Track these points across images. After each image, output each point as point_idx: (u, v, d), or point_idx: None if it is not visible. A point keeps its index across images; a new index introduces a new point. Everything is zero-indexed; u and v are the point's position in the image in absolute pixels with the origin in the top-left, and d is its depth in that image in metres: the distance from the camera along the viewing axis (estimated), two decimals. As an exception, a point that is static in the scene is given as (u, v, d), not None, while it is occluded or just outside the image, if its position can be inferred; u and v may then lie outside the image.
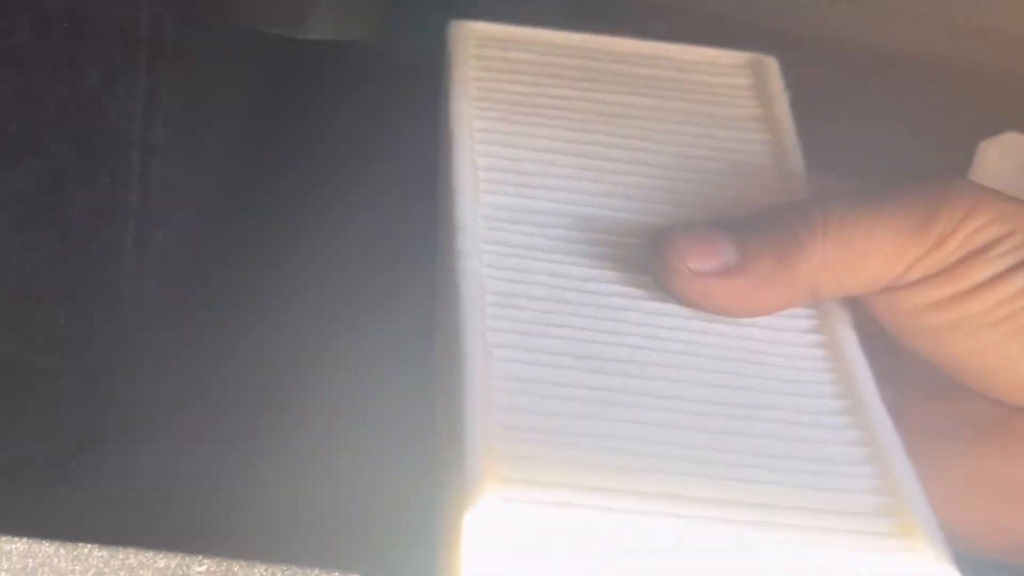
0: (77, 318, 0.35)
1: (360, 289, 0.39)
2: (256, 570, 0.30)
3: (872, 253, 0.30)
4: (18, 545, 0.30)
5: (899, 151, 0.46)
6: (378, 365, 0.37)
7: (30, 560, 0.30)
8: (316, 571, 0.30)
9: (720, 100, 0.35)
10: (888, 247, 0.30)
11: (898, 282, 0.30)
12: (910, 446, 0.29)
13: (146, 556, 0.30)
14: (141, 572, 0.30)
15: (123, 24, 0.33)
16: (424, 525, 0.30)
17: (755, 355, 0.30)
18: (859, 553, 0.26)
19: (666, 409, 0.28)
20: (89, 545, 0.30)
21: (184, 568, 0.30)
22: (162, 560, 0.30)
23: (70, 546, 0.29)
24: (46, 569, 0.30)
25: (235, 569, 0.30)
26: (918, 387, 0.32)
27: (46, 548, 0.29)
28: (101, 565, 0.30)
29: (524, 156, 0.33)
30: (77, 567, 0.30)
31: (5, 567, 0.30)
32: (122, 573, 0.30)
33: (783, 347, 0.30)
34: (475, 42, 0.35)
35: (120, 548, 0.30)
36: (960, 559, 0.26)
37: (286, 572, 0.30)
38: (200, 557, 0.30)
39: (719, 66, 0.36)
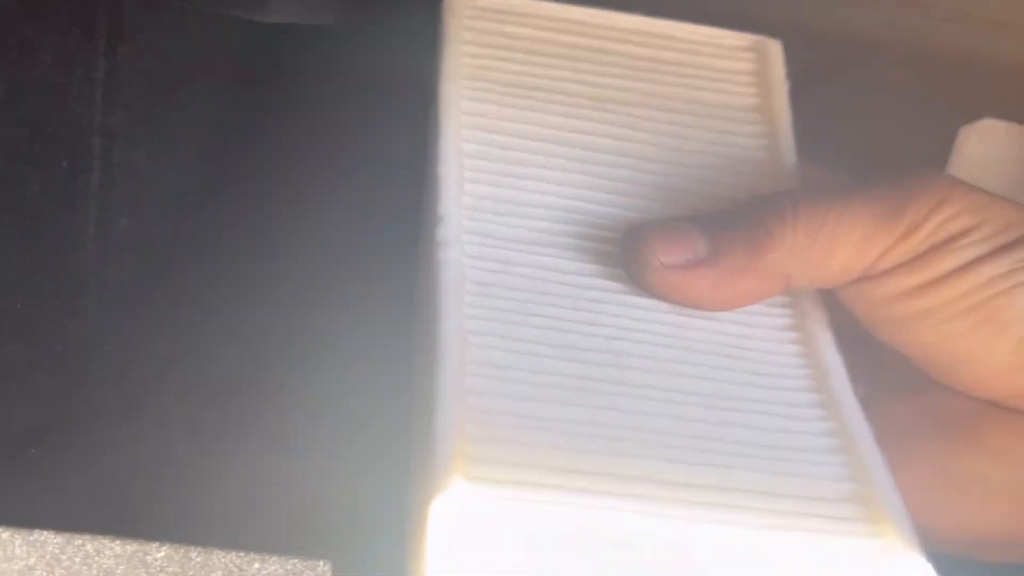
0: (38, 304, 0.35)
1: (334, 277, 0.39)
2: (215, 556, 0.30)
3: (842, 242, 0.30)
4: (-28, 532, 0.30)
5: (877, 139, 0.46)
6: (351, 353, 0.37)
7: (-15, 547, 0.30)
8: (275, 557, 0.30)
9: (718, 87, 0.35)
10: (858, 236, 0.30)
11: (869, 272, 0.30)
12: (879, 441, 0.29)
13: (102, 542, 0.30)
14: (97, 558, 0.30)
15: (79, 6, 0.32)
16: (394, 512, 0.30)
17: (731, 349, 0.30)
18: (828, 538, 0.26)
19: (639, 397, 0.28)
20: (45, 531, 0.29)
21: (142, 554, 0.30)
22: (119, 546, 0.30)
23: (25, 532, 0.29)
24: None
25: (192, 555, 0.30)
26: (891, 383, 0.32)
27: (0, 534, 0.29)
28: (56, 551, 0.30)
29: (512, 144, 0.33)
30: (32, 553, 0.30)
31: (-39, 554, 0.30)
32: (77, 559, 0.29)
33: (759, 342, 0.31)
34: (470, 14, 0.35)
35: (76, 534, 0.29)
36: (927, 555, 0.26)
37: (244, 558, 0.30)
38: (157, 543, 0.30)
39: (722, 48, 0.36)
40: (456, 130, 0.32)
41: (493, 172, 0.32)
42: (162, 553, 0.30)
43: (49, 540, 0.30)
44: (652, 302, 0.31)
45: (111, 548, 0.30)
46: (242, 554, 0.30)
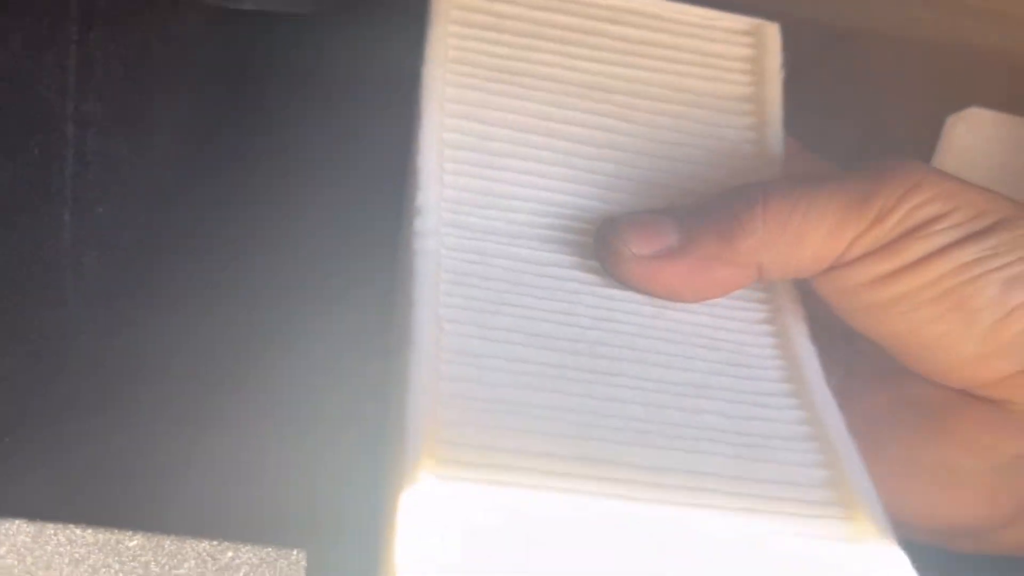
0: (13, 293, 0.34)
1: (315, 266, 0.39)
2: (187, 544, 0.30)
3: (811, 230, 0.30)
4: (-56, 522, 0.30)
5: (862, 128, 0.45)
6: (330, 342, 0.37)
7: (-43, 537, 0.30)
8: (248, 546, 0.30)
9: (710, 74, 0.34)
10: (828, 224, 0.30)
11: (841, 260, 0.30)
12: (853, 428, 0.29)
13: (75, 532, 0.30)
14: (69, 547, 0.30)
15: (50, -7, 0.32)
16: (368, 500, 0.30)
17: (705, 340, 0.30)
18: (799, 522, 0.26)
19: (613, 385, 0.28)
20: (16, 520, 0.29)
21: (114, 542, 0.30)
22: (91, 535, 0.30)
23: (-4, 521, 0.29)
24: (-27, 545, 0.29)
25: (165, 544, 0.30)
26: (866, 374, 0.32)
27: (-29, 524, 0.29)
28: (28, 541, 0.30)
29: (494, 134, 0.32)
30: (4, 543, 0.30)
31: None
32: (48, 548, 0.29)
33: (733, 334, 0.31)
34: None
35: (48, 523, 0.29)
36: (899, 542, 0.26)
37: (217, 547, 0.30)
38: (131, 532, 0.30)
39: (717, 31, 0.35)
40: (438, 118, 0.32)
41: (474, 163, 0.32)
42: (135, 542, 0.30)
43: (21, 529, 0.30)
44: (628, 294, 0.31)
45: (83, 537, 0.30)
46: (215, 543, 0.30)
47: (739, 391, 0.29)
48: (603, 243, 0.31)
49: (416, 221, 0.30)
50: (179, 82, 0.37)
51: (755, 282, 0.31)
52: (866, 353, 0.32)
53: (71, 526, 0.30)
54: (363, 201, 0.39)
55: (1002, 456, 0.31)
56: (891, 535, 0.26)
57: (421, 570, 0.24)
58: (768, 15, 0.36)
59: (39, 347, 0.35)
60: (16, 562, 0.29)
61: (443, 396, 0.27)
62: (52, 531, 0.30)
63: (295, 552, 0.30)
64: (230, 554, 0.30)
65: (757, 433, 0.28)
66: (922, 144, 0.46)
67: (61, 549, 0.30)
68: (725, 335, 0.31)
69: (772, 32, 0.35)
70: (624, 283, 0.31)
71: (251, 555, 0.30)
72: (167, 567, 0.30)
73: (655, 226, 0.31)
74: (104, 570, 0.29)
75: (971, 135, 0.47)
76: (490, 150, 0.32)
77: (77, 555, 0.30)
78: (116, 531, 0.30)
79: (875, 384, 0.32)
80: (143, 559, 0.30)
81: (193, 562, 0.30)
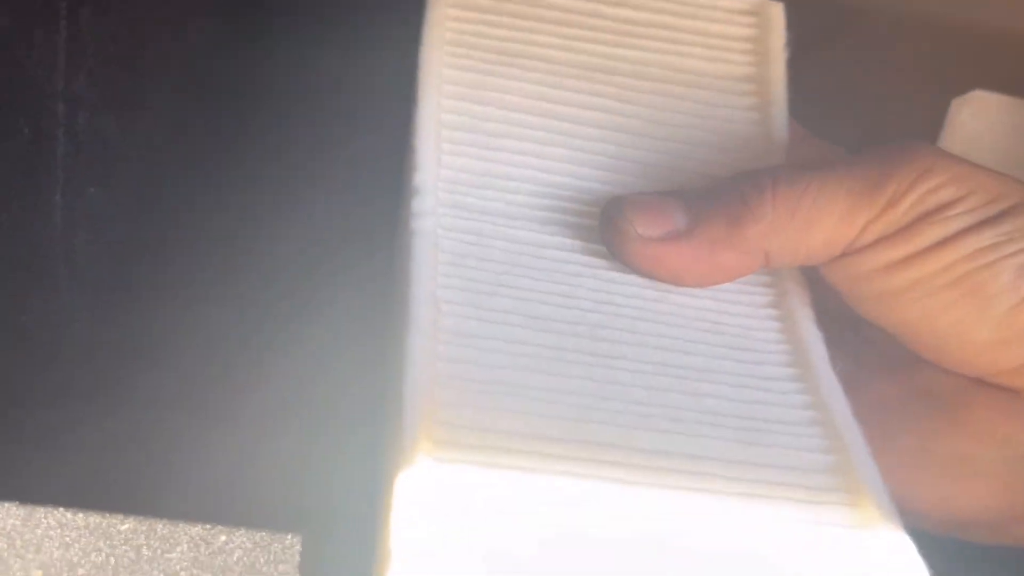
0: (2, 276, 0.34)
1: (312, 248, 0.38)
2: (180, 528, 0.29)
3: (822, 215, 0.30)
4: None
5: (869, 111, 0.45)
6: (327, 329, 0.36)
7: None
8: (242, 530, 0.30)
9: (711, 55, 0.34)
10: (838, 209, 0.30)
11: (853, 246, 0.30)
12: (861, 418, 0.28)
13: (66, 515, 0.29)
14: (60, 531, 0.29)
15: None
16: (364, 485, 0.30)
17: (709, 324, 0.30)
18: (802, 508, 0.26)
19: (614, 367, 0.28)
20: (7, 503, 0.29)
21: (106, 526, 0.29)
22: (82, 518, 0.29)
23: (-14, 505, 0.29)
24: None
25: (158, 527, 0.29)
26: (876, 364, 0.32)
27: (-39, 507, 0.29)
28: (18, 524, 0.29)
29: (492, 115, 0.32)
30: (-7, 526, 0.29)
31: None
32: (39, 531, 0.29)
33: (737, 318, 0.30)
34: None
35: (38, 506, 0.29)
36: (907, 530, 0.26)
37: (210, 531, 0.29)
38: (122, 516, 0.29)
39: (719, 11, 0.34)
40: (435, 100, 0.32)
41: (471, 144, 0.31)
42: (127, 525, 0.30)
43: (11, 512, 0.29)
44: (631, 277, 0.30)
45: (74, 520, 0.29)
46: (208, 527, 0.30)
47: (743, 375, 0.29)
48: (608, 223, 0.30)
49: (414, 201, 0.30)
50: (171, 61, 0.37)
51: (762, 270, 0.31)
52: (875, 343, 0.32)
53: (61, 509, 0.29)
54: (362, 183, 0.38)
55: (1018, 446, 0.30)
56: (897, 521, 0.26)
57: (417, 551, 0.24)
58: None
59: (30, 331, 0.35)
60: (6, 545, 0.29)
61: (441, 377, 0.26)
62: (42, 514, 0.29)
63: (289, 536, 0.30)
64: (223, 538, 0.30)
65: (760, 417, 0.28)
66: (927, 126, 0.46)
67: (51, 532, 0.29)
68: (729, 319, 0.30)
69: (776, 11, 0.35)
70: (628, 265, 0.30)
71: (245, 539, 0.30)
72: (159, 551, 0.29)
73: (662, 208, 0.30)
74: (95, 553, 0.29)
75: (976, 118, 0.46)
76: (488, 131, 0.32)
77: (68, 538, 0.29)
78: (107, 515, 0.29)
79: (885, 374, 0.31)
80: (135, 543, 0.29)
81: (186, 546, 0.29)
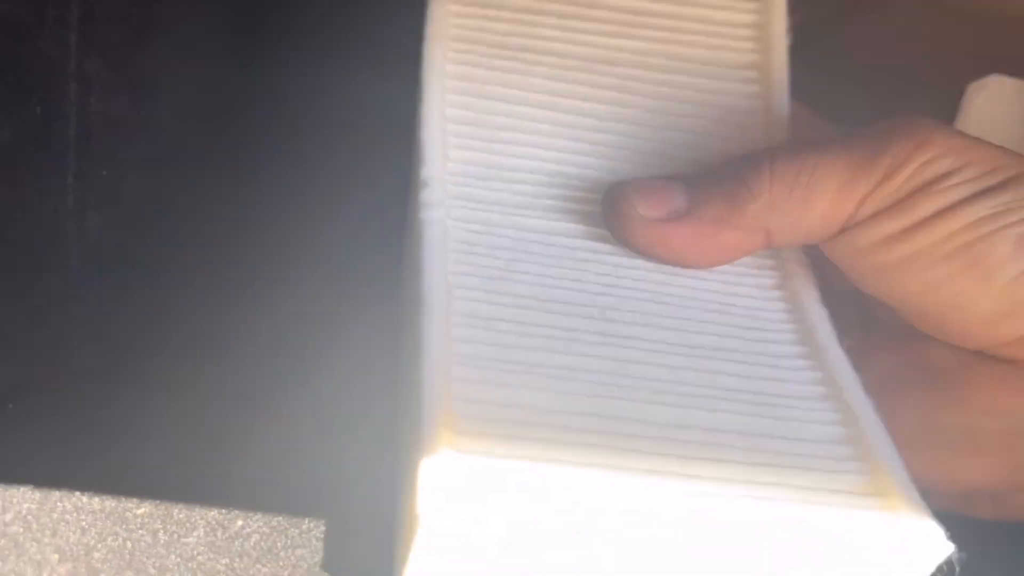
0: (15, 258, 0.34)
1: (323, 232, 0.38)
2: (196, 512, 0.29)
3: (819, 191, 0.30)
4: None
5: (883, 91, 0.45)
6: (338, 310, 0.36)
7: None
8: (259, 514, 0.29)
9: (714, 43, 0.34)
10: (836, 183, 0.30)
11: (851, 221, 0.30)
12: (867, 393, 0.28)
13: (82, 499, 0.29)
14: (76, 515, 0.29)
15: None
16: (382, 467, 0.30)
17: (717, 305, 0.30)
18: (818, 478, 0.26)
19: (626, 347, 0.28)
20: (22, 487, 0.29)
21: (121, 511, 0.29)
22: (98, 502, 0.29)
23: (1, 489, 0.28)
24: (-23, 513, 0.29)
25: (174, 512, 0.29)
26: (879, 340, 0.32)
27: (-26, 492, 0.28)
28: (34, 508, 0.29)
29: (497, 108, 0.32)
30: (8, 511, 0.29)
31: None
32: (55, 516, 0.29)
33: (745, 299, 0.31)
34: None
35: (54, 490, 0.29)
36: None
37: (227, 515, 0.29)
38: (137, 500, 0.29)
39: None
40: (440, 94, 0.32)
41: (476, 137, 0.32)
42: (143, 510, 0.29)
43: (27, 496, 0.29)
44: (637, 262, 0.31)
45: (90, 504, 0.29)
46: (224, 511, 0.29)
47: (753, 353, 0.29)
48: (611, 206, 0.30)
49: (422, 193, 0.30)
50: (184, 42, 0.36)
51: (764, 250, 0.31)
52: (878, 319, 0.32)
53: (77, 493, 0.29)
54: (375, 169, 0.38)
55: (1020, 418, 0.30)
56: (912, 488, 0.26)
57: (442, 527, 0.24)
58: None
59: (42, 312, 0.34)
60: (22, 529, 0.29)
61: (457, 356, 0.27)
62: (58, 498, 0.29)
63: (307, 521, 0.30)
64: (240, 523, 0.30)
65: (773, 393, 0.28)
66: (944, 111, 0.46)
67: (67, 517, 0.29)
68: (736, 300, 0.31)
69: None
70: (632, 247, 0.30)
71: (261, 523, 0.30)
72: (176, 535, 0.29)
73: (663, 189, 0.30)
74: (111, 538, 0.29)
75: (992, 102, 0.46)
76: (493, 124, 0.32)
77: (84, 523, 0.29)
78: (124, 499, 0.29)
79: (888, 349, 0.32)
80: (152, 527, 0.29)
81: (202, 531, 0.29)
